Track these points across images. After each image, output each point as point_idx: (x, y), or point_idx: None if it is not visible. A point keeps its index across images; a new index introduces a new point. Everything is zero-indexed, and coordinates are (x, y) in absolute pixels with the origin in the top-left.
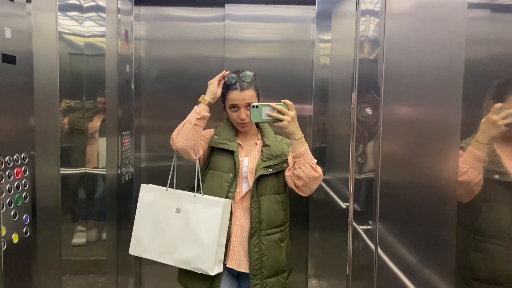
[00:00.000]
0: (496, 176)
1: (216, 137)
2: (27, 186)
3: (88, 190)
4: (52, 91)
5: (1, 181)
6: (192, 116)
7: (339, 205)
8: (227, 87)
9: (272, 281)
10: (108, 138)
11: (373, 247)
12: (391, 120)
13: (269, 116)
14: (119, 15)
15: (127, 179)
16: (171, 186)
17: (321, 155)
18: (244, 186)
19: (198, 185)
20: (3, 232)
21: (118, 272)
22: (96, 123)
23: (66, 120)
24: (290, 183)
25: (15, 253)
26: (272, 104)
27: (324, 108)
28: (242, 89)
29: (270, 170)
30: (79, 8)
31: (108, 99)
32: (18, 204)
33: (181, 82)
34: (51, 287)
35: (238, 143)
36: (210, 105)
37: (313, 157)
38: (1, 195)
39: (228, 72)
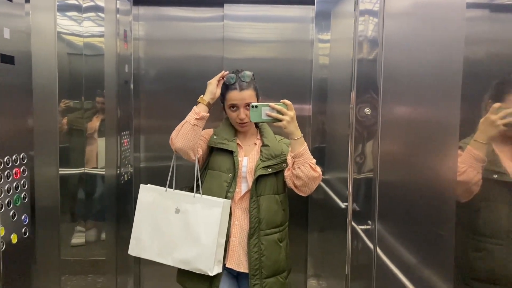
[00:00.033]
0: (495, 176)
1: (215, 137)
2: (26, 187)
3: (87, 190)
4: (51, 91)
5: (0, 181)
6: (191, 117)
7: (338, 205)
8: (226, 87)
9: (271, 281)
10: (107, 138)
11: (372, 247)
12: (389, 120)
13: (269, 116)
14: (118, 15)
15: (126, 179)
16: (170, 187)
17: (320, 155)
18: (243, 186)
19: (197, 185)
20: (2, 233)
21: (117, 272)
22: (95, 123)
23: (65, 120)
24: (289, 183)
25: (14, 253)
26: (271, 104)
27: (323, 108)
28: (241, 89)
29: (269, 170)
30: (78, 8)
31: (107, 99)
32: (17, 205)
33: (180, 82)
34: None
35: (237, 143)
36: (209, 105)
37: (312, 157)
38: (0, 196)
39: (227, 72)
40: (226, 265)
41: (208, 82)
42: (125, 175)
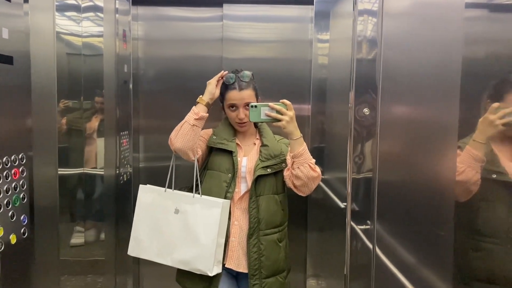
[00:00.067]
0: (494, 176)
1: (214, 137)
2: (24, 187)
3: (86, 190)
4: (50, 91)
5: None
6: (190, 117)
7: (337, 204)
8: (225, 87)
9: (270, 281)
10: (106, 138)
11: (371, 246)
12: (388, 119)
13: (268, 116)
14: (117, 15)
15: (125, 179)
16: (169, 187)
17: (319, 155)
18: (242, 186)
19: (197, 185)
20: (1, 233)
21: (117, 272)
22: (94, 123)
23: (64, 121)
24: (289, 183)
25: (13, 254)
26: (270, 104)
27: (323, 108)
28: (240, 89)
29: (269, 170)
30: (76, 8)
31: (106, 99)
32: (16, 205)
33: (179, 82)
34: None
35: (237, 143)
36: (208, 105)
37: (311, 157)
38: None
39: (227, 72)
40: (226, 265)
41: (207, 82)
42: (124, 175)
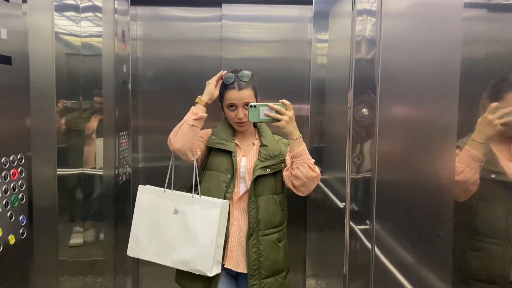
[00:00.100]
0: (493, 176)
1: (213, 137)
2: (23, 187)
3: (85, 190)
4: (48, 91)
5: None
6: (189, 117)
7: (336, 204)
8: (224, 87)
9: (270, 281)
10: (105, 139)
11: (370, 246)
12: (387, 119)
13: (267, 116)
14: (115, 15)
15: (124, 179)
16: (168, 187)
17: (318, 155)
18: (242, 187)
19: (196, 185)
20: (0, 234)
21: (116, 273)
22: (93, 123)
23: (63, 121)
24: (288, 183)
25: (12, 254)
26: (270, 104)
27: (322, 108)
28: (240, 88)
29: (268, 171)
30: (75, 8)
31: (105, 99)
32: (15, 205)
33: (178, 82)
34: None
35: (236, 143)
36: (207, 105)
37: (311, 157)
38: None
39: (226, 72)
40: (225, 266)
41: (207, 82)
42: (123, 176)
